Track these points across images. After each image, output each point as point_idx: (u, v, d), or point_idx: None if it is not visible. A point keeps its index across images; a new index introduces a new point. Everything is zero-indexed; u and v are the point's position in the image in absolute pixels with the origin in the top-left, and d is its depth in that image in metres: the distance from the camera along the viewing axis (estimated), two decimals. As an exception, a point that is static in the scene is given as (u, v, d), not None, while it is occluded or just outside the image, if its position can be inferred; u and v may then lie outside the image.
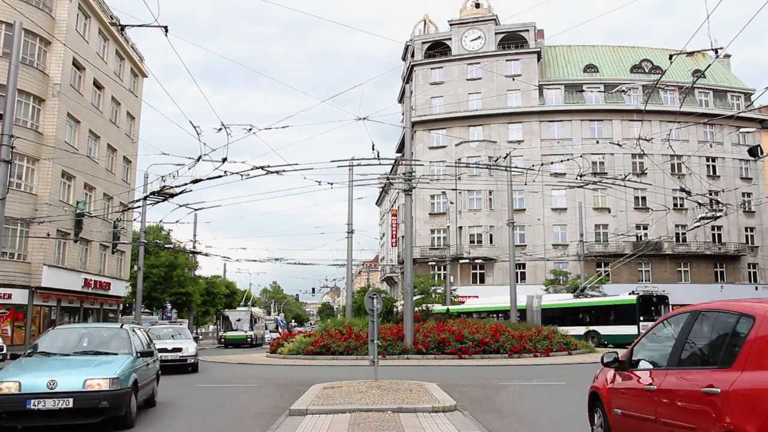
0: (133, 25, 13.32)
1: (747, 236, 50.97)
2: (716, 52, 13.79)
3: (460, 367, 20.03)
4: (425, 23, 59.70)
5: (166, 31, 12.67)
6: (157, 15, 12.48)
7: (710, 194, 37.09)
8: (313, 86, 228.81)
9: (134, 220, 39.32)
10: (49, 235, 30.32)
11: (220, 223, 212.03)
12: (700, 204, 29.10)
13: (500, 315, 35.05)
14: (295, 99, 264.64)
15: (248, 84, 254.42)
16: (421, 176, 28.80)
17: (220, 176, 16.48)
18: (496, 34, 53.45)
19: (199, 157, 16.07)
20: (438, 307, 38.01)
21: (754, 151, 18.13)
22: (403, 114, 39.33)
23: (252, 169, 16.63)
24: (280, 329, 62.30)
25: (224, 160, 15.99)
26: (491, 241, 48.81)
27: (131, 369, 9.49)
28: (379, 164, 19.74)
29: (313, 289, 78.67)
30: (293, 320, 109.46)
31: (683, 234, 48.96)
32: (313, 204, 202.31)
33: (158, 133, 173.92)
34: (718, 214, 30.44)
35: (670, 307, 32.78)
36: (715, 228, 48.77)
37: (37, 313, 31.73)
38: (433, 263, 48.40)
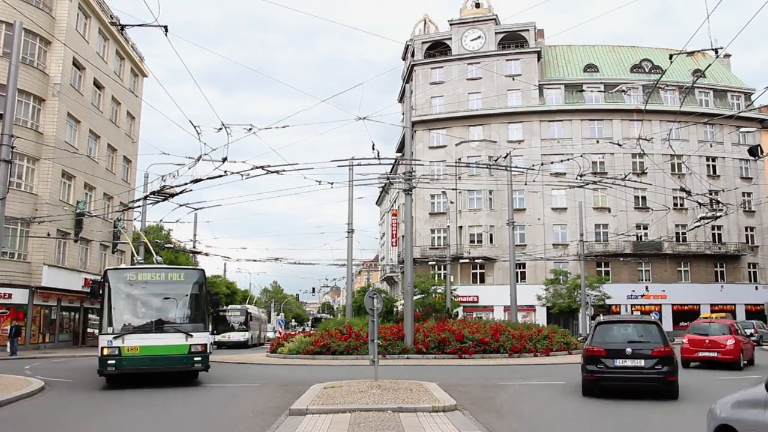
0: (132, 25, 13.32)
1: (747, 236, 50.95)
2: (716, 52, 13.79)
3: (460, 367, 20.03)
4: (425, 23, 59.68)
5: (166, 30, 12.67)
6: (157, 15, 12.46)
7: (710, 194, 37.09)
8: (318, 91, 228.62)
9: (134, 219, 39.32)
10: (49, 234, 30.34)
11: (220, 223, 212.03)
12: (700, 204, 29.12)
13: None
14: (300, 104, 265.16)
15: (254, 89, 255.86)
16: (421, 176, 28.79)
17: (220, 176, 16.49)
18: (496, 33, 53.43)
19: (199, 157, 16.07)
20: None
21: (754, 151, 18.14)
22: (403, 114, 39.34)
23: (252, 168, 16.64)
24: (279, 329, 61.48)
25: (224, 159, 16.00)
26: (491, 241, 48.81)
27: None
28: (379, 164, 19.75)
29: (314, 288, 78.68)
30: (293, 320, 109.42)
31: (683, 234, 48.95)
32: (315, 205, 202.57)
33: (162, 135, 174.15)
34: (718, 214, 30.47)
35: None
36: (715, 228, 48.76)
37: (38, 313, 31.74)
38: (433, 263, 48.38)
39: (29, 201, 29.83)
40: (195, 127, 15.47)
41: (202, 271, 15.92)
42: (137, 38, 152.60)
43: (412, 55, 55.14)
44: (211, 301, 15.78)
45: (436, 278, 47.37)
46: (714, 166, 50.92)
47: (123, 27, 14.82)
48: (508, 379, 15.70)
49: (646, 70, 52.38)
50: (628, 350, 11.65)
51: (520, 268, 46.94)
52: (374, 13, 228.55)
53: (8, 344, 26.80)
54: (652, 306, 47.77)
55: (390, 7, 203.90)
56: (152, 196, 19.48)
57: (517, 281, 36.92)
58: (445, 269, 44.00)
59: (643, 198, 48.03)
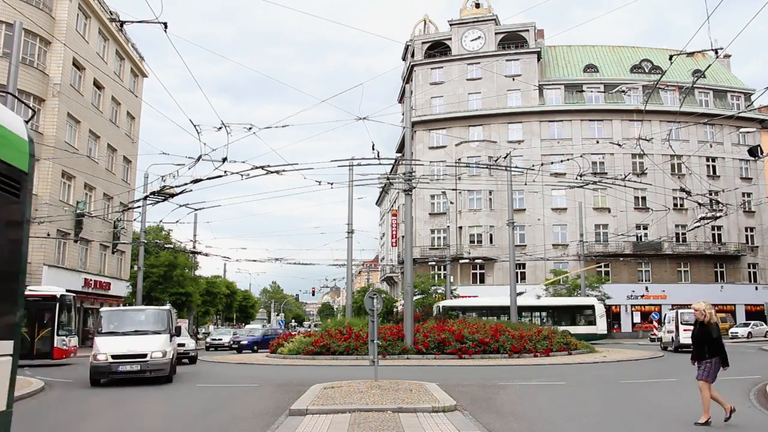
0: (132, 21, 13.31)
1: (747, 236, 50.96)
2: (716, 52, 13.76)
3: (460, 367, 20.03)
4: (425, 23, 59.69)
5: (165, 27, 12.65)
6: (159, 13, 12.45)
7: (710, 194, 37.07)
8: (327, 102, 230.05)
9: (134, 220, 39.29)
10: (49, 235, 30.31)
11: (220, 223, 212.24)
12: (700, 204, 29.08)
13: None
14: (309, 113, 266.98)
15: (263, 98, 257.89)
16: (421, 176, 28.79)
17: (220, 176, 16.45)
18: (496, 34, 53.44)
19: (199, 157, 16.04)
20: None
21: (754, 151, 18.15)
22: (403, 114, 39.33)
23: (252, 168, 16.61)
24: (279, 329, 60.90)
25: (224, 159, 15.97)
26: (491, 241, 48.80)
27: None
28: (379, 164, 19.74)
29: (313, 291, 78.55)
30: (293, 320, 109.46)
31: (683, 234, 48.95)
32: (316, 206, 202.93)
33: (166, 140, 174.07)
34: (718, 214, 30.43)
35: None
36: (715, 228, 48.77)
37: (37, 313, 31.67)
38: (433, 263, 48.39)
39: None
40: (195, 126, 15.46)
41: None
42: (145, 43, 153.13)
43: (412, 56, 55.15)
44: None
45: (436, 278, 47.37)
46: (714, 167, 50.93)
47: (123, 24, 14.86)
48: (508, 380, 15.69)
49: (646, 71, 52.40)
50: None
51: (520, 269, 46.94)
52: (378, 22, 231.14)
53: None
54: (651, 306, 47.78)
55: (392, 14, 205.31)
56: (152, 196, 19.44)
57: (517, 281, 36.90)
58: (445, 269, 44.01)
59: (643, 198, 48.04)
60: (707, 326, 9.17)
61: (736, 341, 40.13)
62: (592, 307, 36.84)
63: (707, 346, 9.10)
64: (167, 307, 17.99)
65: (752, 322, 44.64)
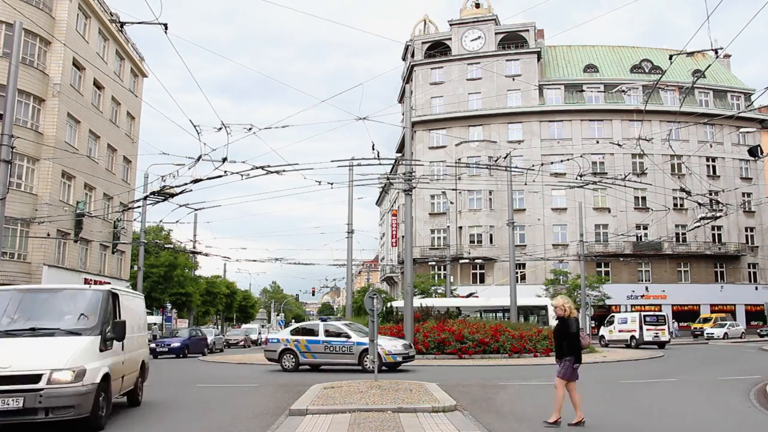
0: (132, 22, 13.33)
1: (747, 236, 50.97)
2: (716, 52, 13.76)
3: (460, 367, 20.04)
4: (425, 23, 59.70)
5: (166, 28, 12.66)
6: (159, 14, 12.44)
7: (710, 194, 37.08)
8: (326, 102, 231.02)
9: (134, 220, 39.27)
10: (49, 235, 30.31)
11: (220, 223, 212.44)
12: (700, 204, 29.09)
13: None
14: (310, 113, 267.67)
15: (264, 99, 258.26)
16: (421, 176, 28.78)
17: (220, 176, 16.47)
18: (496, 34, 53.44)
19: (199, 157, 16.05)
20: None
21: (754, 151, 18.17)
22: (403, 114, 39.33)
23: (252, 169, 16.62)
24: (280, 329, 60.83)
25: (224, 159, 15.98)
26: (491, 241, 48.80)
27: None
28: (379, 164, 19.74)
29: (313, 291, 78.62)
30: (293, 320, 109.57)
31: (683, 234, 48.96)
32: (316, 206, 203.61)
33: (167, 141, 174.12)
34: (718, 214, 30.47)
35: None
36: (715, 228, 48.78)
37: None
38: (433, 263, 48.38)
39: (29, 201, 29.80)
40: (195, 126, 15.46)
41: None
42: (145, 43, 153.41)
43: (412, 56, 55.14)
44: None
45: (436, 278, 47.38)
46: (714, 167, 50.93)
47: (123, 24, 14.88)
48: (508, 380, 15.69)
49: (646, 71, 52.40)
50: None
51: (520, 269, 46.92)
52: (378, 22, 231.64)
53: None
54: (652, 306, 47.77)
55: (393, 15, 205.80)
56: (152, 196, 19.45)
57: (517, 281, 36.87)
58: (445, 269, 43.98)
59: (643, 198, 48.04)
60: (567, 321, 9.05)
61: (736, 342, 40.15)
62: (545, 308, 35.92)
63: (565, 342, 9.01)
64: (107, 287, 9.86)
65: (728, 323, 44.65)
